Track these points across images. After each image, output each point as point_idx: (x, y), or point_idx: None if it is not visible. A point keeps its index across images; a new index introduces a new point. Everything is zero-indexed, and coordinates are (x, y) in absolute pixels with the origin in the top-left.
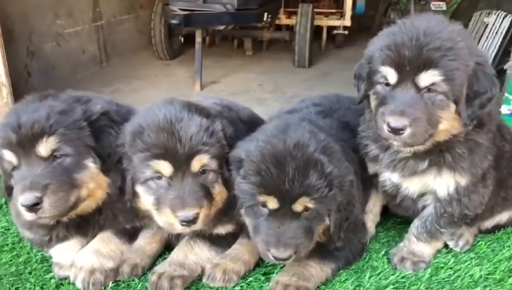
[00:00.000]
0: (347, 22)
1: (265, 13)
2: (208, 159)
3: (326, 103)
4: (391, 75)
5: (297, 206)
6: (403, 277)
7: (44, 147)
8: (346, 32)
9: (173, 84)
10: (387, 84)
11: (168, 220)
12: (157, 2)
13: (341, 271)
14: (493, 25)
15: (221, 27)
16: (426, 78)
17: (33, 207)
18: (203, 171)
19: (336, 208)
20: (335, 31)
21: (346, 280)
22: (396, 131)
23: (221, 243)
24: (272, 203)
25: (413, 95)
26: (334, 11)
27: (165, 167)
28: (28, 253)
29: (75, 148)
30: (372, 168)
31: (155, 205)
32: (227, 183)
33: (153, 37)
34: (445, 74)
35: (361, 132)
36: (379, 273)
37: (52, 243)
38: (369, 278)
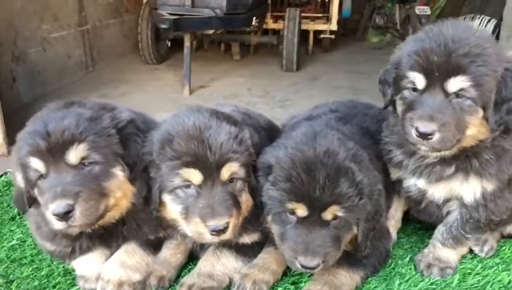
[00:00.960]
0: (333, 26)
1: (254, 17)
2: (237, 167)
3: (344, 109)
4: (419, 81)
5: (327, 215)
6: (431, 283)
7: (74, 155)
8: (333, 36)
9: (161, 89)
10: (415, 90)
11: (197, 229)
12: (144, 7)
13: (369, 279)
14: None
15: (210, 31)
16: (455, 83)
17: (65, 215)
18: (231, 179)
19: (364, 217)
20: (322, 35)
21: (375, 287)
22: (424, 136)
23: (247, 252)
24: (301, 210)
25: (441, 100)
26: (320, 15)
27: (195, 176)
28: (49, 265)
29: (104, 156)
30: (395, 174)
31: (183, 214)
32: (253, 192)
33: (139, 42)
34: (473, 79)
35: (385, 137)
36: (408, 280)
37: (75, 254)
38: (399, 285)
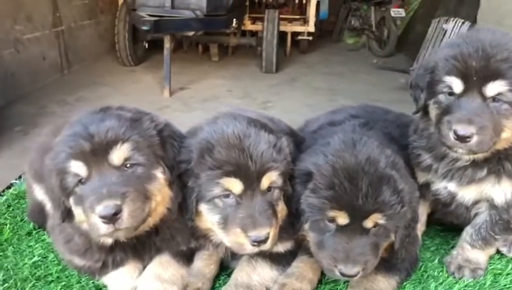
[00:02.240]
0: (311, 28)
1: (234, 19)
2: (276, 176)
3: (364, 114)
4: (457, 85)
5: (368, 223)
6: (466, 286)
7: (117, 155)
8: (311, 38)
9: (141, 91)
10: (451, 94)
11: (238, 240)
12: (121, 8)
13: (404, 283)
14: (452, 31)
15: (191, 33)
16: (494, 88)
17: (112, 217)
18: (269, 188)
19: (403, 224)
20: (299, 37)
21: None
22: (463, 139)
23: (281, 261)
24: (342, 218)
25: (479, 104)
26: (298, 17)
27: (235, 185)
28: (79, 282)
29: (146, 157)
30: (422, 178)
31: (221, 224)
32: (288, 200)
33: (117, 43)
34: (511, 84)
35: (413, 142)
36: (442, 283)
37: (106, 269)
38: (435, 288)
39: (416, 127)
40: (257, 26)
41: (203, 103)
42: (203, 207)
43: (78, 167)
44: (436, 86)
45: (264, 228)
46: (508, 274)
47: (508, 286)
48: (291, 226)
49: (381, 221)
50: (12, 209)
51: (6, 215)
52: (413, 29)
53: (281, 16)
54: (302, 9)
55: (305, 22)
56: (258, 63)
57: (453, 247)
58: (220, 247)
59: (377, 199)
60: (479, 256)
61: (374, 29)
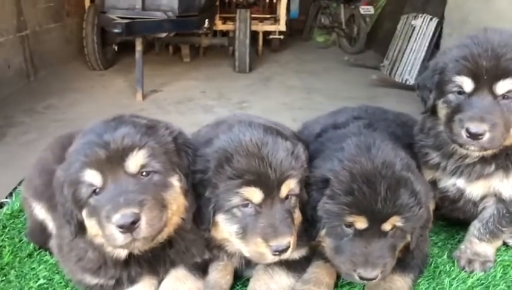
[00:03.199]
0: (282, 26)
1: (206, 19)
2: (295, 184)
3: (366, 115)
4: (467, 84)
5: (387, 226)
6: (478, 279)
7: (134, 162)
8: (282, 36)
9: (112, 96)
10: (460, 93)
11: (258, 250)
12: (88, 10)
13: (418, 280)
14: (420, 27)
15: (163, 34)
16: (504, 86)
17: (130, 226)
18: (287, 196)
19: (419, 225)
20: (271, 36)
21: (427, 288)
22: (475, 136)
23: (297, 267)
24: (361, 223)
25: (490, 102)
26: (268, 16)
27: (256, 194)
28: None
29: (163, 165)
30: (429, 176)
31: (239, 234)
32: (303, 207)
33: (85, 47)
34: None
35: (420, 141)
36: (455, 278)
37: (121, 287)
38: (449, 283)
39: (422, 126)
40: (228, 26)
41: (177, 105)
42: (221, 217)
43: (92, 176)
44: (446, 85)
45: (286, 236)
46: None
47: None
48: (305, 232)
49: (400, 223)
50: (9, 230)
51: (3, 237)
52: (381, 26)
53: (252, 16)
54: (273, 9)
55: (276, 21)
56: (231, 63)
57: (459, 241)
58: (235, 257)
59: (396, 202)
60: (487, 249)
61: (343, 27)
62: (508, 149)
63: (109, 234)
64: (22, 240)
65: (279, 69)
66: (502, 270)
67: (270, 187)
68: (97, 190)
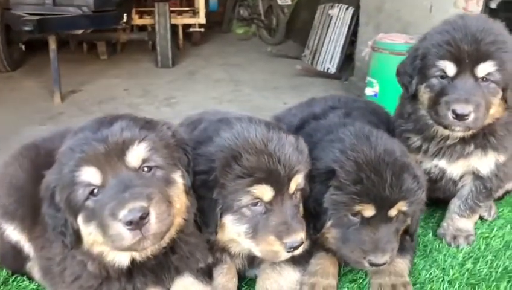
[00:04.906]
0: (202, 19)
1: (124, 14)
2: (301, 179)
3: (340, 105)
4: (450, 68)
5: (393, 211)
6: (466, 252)
7: (135, 155)
8: (203, 29)
9: (25, 99)
10: (443, 77)
11: (272, 248)
12: None
13: (414, 260)
14: (337, 17)
15: (79, 31)
16: (484, 68)
17: (140, 221)
18: (294, 191)
19: (420, 208)
20: (191, 29)
21: (424, 267)
22: (462, 117)
23: (301, 261)
24: (369, 211)
25: (472, 84)
26: (187, 9)
27: (267, 192)
28: None
29: (164, 160)
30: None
31: (249, 233)
32: (305, 200)
33: None
34: (499, 64)
35: (400, 126)
36: (446, 254)
37: None
38: (443, 260)
39: (401, 111)
40: (145, 21)
41: (100, 105)
42: (228, 218)
43: (90, 175)
44: (429, 70)
45: (299, 232)
46: (494, 236)
47: (503, 246)
48: (308, 226)
49: (405, 208)
50: None
51: None
52: (298, 16)
53: (170, 9)
54: (191, 1)
55: (195, 13)
56: (152, 58)
57: (438, 219)
58: (238, 258)
59: (402, 187)
60: (467, 224)
61: (262, 18)
62: (485, 129)
63: (115, 234)
64: None
65: (203, 63)
66: (484, 242)
67: (280, 184)
68: (95, 191)
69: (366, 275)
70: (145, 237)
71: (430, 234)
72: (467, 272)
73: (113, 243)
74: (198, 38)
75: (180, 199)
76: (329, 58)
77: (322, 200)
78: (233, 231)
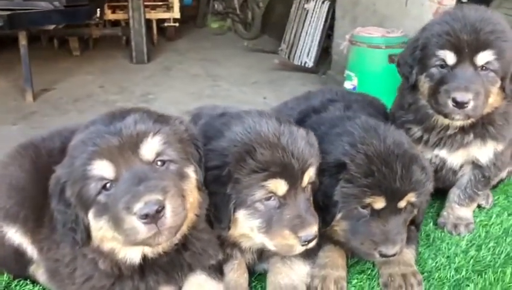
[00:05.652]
0: (176, 14)
1: (98, 9)
2: (313, 172)
3: (339, 98)
4: (450, 57)
5: (403, 203)
6: (468, 240)
7: (149, 148)
8: (177, 24)
9: None
10: (442, 66)
11: (287, 242)
12: None
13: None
14: (313, 10)
15: (51, 27)
16: (483, 57)
17: (155, 215)
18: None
19: (426, 198)
20: (165, 24)
21: (429, 256)
22: (461, 105)
23: (310, 254)
24: (380, 203)
25: (472, 73)
26: (160, 3)
27: (281, 186)
28: None
29: (178, 154)
30: None
31: (263, 228)
32: (315, 194)
33: None
34: (498, 53)
35: (400, 117)
36: (448, 242)
37: None
38: (447, 248)
39: (401, 102)
40: (118, 16)
41: (75, 103)
42: (241, 213)
43: (103, 168)
44: (429, 60)
45: (313, 226)
46: (492, 224)
47: (502, 233)
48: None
49: (413, 199)
50: None
51: None
52: (273, 11)
53: (144, 3)
54: None
55: (169, 8)
56: (126, 54)
57: (437, 209)
58: (249, 253)
59: (411, 179)
60: (467, 212)
61: (238, 12)
62: (484, 119)
63: (129, 228)
64: None
65: (178, 58)
66: (483, 229)
67: (294, 178)
68: (108, 185)
69: (373, 265)
70: (160, 231)
71: (431, 223)
72: (472, 260)
73: (127, 237)
74: (172, 33)
75: (193, 194)
76: (307, 52)
77: (332, 193)
78: (246, 226)
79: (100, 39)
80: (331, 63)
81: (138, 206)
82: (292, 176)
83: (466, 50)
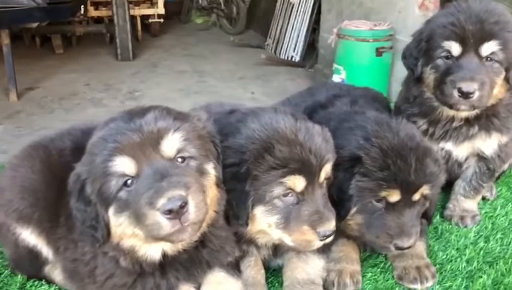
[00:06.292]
0: (161, 9)
1: (81, 5)
2: (330, 167)
3: (343, 93)
4: (455, 48)
5: (417, 196)
6: (476, 232)
7: (170, 145)
8: (162, 20)
9: None
10: (448, 58)
11: (306, 237)
12: None
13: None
14: (299, 5)
15: (34, 25)
16: (488, 47)
17: (179, 211)
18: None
19: (438, 191)
20: (150, 20)
21: (438, 248)
22: (467, 95)
23: (324, 248)
24: (395, 196)
25: (477, 63)
26: None
27: (300, 183)
28: None
29: (198, 150)
30: None
31: (281, 224)
32: (329, 188)
33: None
34: (502, 44)
35: (406, 110)
36: (457, 235)
37: None
38: (456, 240)
39: (407, 95)
40: (101, 12)
41: (61, 101)
42: (260, 209)
43: (125, 165)
44: (434, 51)
45: (331, 221)
46: (498, 215)
47: (506, 226)
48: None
49: (427, 191)
50: None
51: None
52: (258, 5)
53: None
54: None
55: (153, 4)
56: (110, 51)
57: (442, 201)
58: (264, 249)
59: (426, 172)
60: (472, 204)
61: (222, 7)
62: (488, 111)
63: (152, 223)
64: (2, 273)
65: (164, 54)
66: (489, 221)
67: (312, 174)
68: (129, 181)
69: (386, 259)
70: (183, 227)
71: (438, 216)
72: (481, 251)
73: (149, 233)
74: (157, 29)
75: (213, 191)
76: (293, 47)
77: (347, 188)
78: (264, 222)
79: (83, 37)
80: (317, 57)
81: (162, 202)
82: (310, 172)
83: (471, 41)
